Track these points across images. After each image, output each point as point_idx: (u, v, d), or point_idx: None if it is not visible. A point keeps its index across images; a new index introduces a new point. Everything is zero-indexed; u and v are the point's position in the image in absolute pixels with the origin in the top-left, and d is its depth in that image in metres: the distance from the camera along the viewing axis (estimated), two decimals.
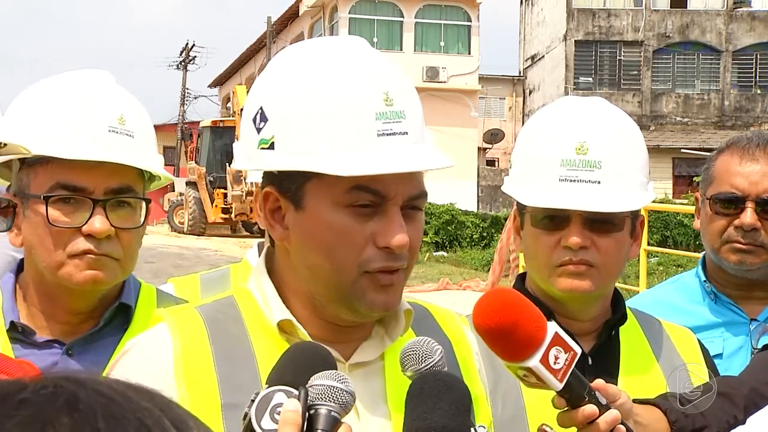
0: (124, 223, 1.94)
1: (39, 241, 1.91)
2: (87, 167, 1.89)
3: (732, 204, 2.43)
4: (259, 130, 1.46)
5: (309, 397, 1.20)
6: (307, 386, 1.21)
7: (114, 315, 2.01)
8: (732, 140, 2.54)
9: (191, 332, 1.46)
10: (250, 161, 1.49)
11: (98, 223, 1.89)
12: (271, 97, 1.46)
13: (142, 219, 1.97)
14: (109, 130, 1.93)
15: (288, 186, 1.45)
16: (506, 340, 1.43)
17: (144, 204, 1.99)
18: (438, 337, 1.45)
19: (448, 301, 12.65)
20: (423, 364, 1.35)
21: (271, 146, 1.44)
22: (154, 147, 2.05)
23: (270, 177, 1.49)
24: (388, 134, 1.40)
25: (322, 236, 1.42)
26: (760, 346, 2.35)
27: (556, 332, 1.45)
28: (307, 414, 1.19)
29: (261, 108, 1.46)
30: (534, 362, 1.43)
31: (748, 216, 2.40)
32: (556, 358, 1.44)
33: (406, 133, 1.42)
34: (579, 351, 1.47)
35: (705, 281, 2.55)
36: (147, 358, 1.45)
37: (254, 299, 1.51)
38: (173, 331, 1.46)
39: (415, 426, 1.25)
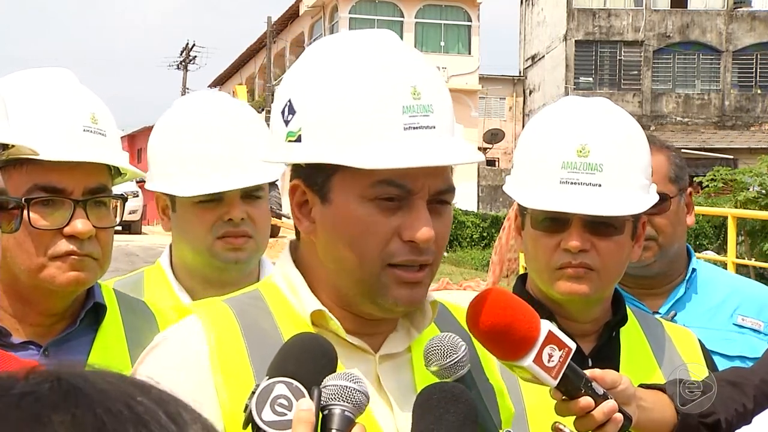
0: (102, 222, 1.93)
1: (17, 244, 1.87)
2: (66, 168, 1.88)
3: None
4: (287, 122, 1.45)
5: (323, 397, 1.20)
6: (320, 386, 1.21)
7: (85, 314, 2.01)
8: None
9: (223, 324, 1.45)
10: (277, 153, 1.49)
11: (81, 224, 1.88)
12: (300, 90, 1.45)
13: (118, 217, 1.97)
14: (84, 130, 1.92)
15: (315, 179, 1.45)
16: (500, 340, 1.45)
17: (121, 202, 1.98)
18: (458, 332, 1.45)
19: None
20: (447, 360, 1.36)
21: (299, 139, 1.43)
22: (120, 144, 2.06)
23: (297, 170, 1.48)
24: (415, 128, 1.39)
25: (348, 229, 1.42)
26: None
27: (549, 331, 1.46)
28: (321, 414, 1.19)
29: (289, 100, 1.46)
30: (528, 362, 1.45)
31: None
32: (550, 356, 1.46)
33: (434, 127, 1.41)
34: (574, 346, 1.49)
35: None
36: (181, 350, 1.44)
37: (281, 292, 1.50)
38: (206, 323, 1.45)
39: None
